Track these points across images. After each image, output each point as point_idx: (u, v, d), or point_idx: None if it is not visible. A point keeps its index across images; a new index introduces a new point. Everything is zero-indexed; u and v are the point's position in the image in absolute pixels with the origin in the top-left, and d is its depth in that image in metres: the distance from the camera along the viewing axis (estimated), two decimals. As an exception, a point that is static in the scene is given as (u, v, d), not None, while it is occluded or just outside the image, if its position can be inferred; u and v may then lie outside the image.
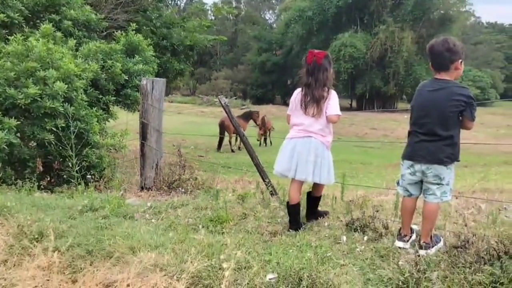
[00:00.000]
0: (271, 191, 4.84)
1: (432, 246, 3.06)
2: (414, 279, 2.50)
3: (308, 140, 3.55)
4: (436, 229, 3.51)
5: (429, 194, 3.09)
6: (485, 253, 2.72)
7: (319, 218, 3.88)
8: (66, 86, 5.80)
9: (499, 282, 2.41)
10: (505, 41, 71.49)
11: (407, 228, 3.22)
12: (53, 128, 5.65)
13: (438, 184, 3.04)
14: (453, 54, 2.98)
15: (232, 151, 15.65)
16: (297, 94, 3.64)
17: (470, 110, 2.96)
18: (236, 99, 45.04)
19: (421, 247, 3.03)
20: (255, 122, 17.71)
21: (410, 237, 3.21)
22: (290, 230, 3.59)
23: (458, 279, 2.47)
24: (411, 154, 3.08)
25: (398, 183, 3.29)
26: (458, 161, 3.03)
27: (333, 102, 3.54)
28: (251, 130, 17.54)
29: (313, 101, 3.51)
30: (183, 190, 5.14)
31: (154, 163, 5.46)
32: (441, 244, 3.11)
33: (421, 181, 3.13)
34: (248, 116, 16.82)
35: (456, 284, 2.43)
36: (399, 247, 3.11)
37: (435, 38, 3.16)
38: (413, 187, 3.17)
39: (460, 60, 3.01)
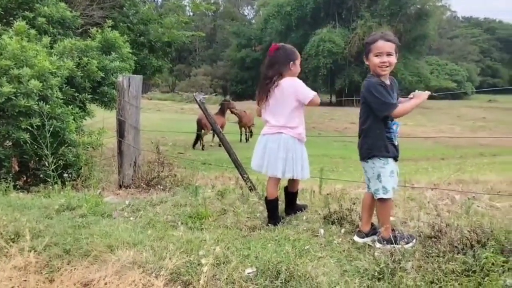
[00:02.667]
0: (250, 186, 4.87)
1: (389, 243, 2.99)
2: (390, 270, 2.55)
3: (278, 137, 3.52)
4: (410, 220, 3.59)
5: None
6: (458, 242, 2.79)
7: (297, 212, 3.91)
8: (41, 84, 5.72)
9: (471, 270, 2.47)
10: (480, 34, 72.92)
11: (367, 224, 3.24)
12: (29, 127, 5.56)
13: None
14: (368, 46, 3.08)
15: (202, 148, 15.51)
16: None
17: (367, 102, 3.05)
18: (216, 95, 44.88)
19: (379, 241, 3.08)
20: (233, 112, 17.50)
21: (369, 232, 3.21)
22: (269, 224, 3.61)
23: (432, 268, 2.53)
24: (397, 149, 3.12)
25: (385, 191, 3.06)
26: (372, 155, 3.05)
27: (302, 89, 3.48)
28: (231, 127, 17.51)
29: (263, 94, 3.55)
30: (162, 187, 5.13)
31: (132, 161, 5.44)
32: (412, 243, 3.04)
33: None
34: (223, 109, 16.66)
35: (430, 273, 2.48)
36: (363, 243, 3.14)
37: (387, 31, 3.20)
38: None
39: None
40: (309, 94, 3.47)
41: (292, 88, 3.48)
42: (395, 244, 2.92)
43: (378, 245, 3.05)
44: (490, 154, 15.63)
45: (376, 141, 3.01)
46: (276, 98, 3.51)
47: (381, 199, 3.06)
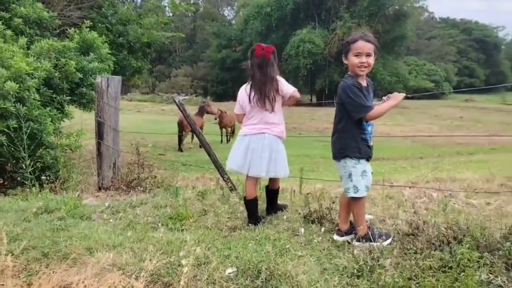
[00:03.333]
0: (230, 187, 4.88)
1: (367, 240, 3.05)
2: (368, 267, 2.59)
3: (261, 137, 3.56)
4: (388, 218, 3.64)
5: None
6: (435, 239, 2.85)
7: (278, 212, 3.94)
8: (18, 85, 5.62)
9: (448, 266, 2.52)
10: (457, 35, 74.17)
11: (345, 223, 3.28)
12: (5, 129, 5.46)
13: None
14: (347, 46, 3.12)
15: (181, 150, 15.45)
16: (244, 90, 3.64)
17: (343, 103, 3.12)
18: (196, 96, 44.68)
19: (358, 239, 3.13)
20: (211, 113, 17.47)
21: (348, 231, 3.25)
22: (249, 224, 3.62)
23: (410, 265, 2.57)
24: (371, 150, 3.15)
25: (357, 190, 3.11)
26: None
27: (284, 87, 3.56)
28: (212, 127, 17.45)
29: (265, 97, 3.51)
30: (142, 189, 5.10)
31: (111, 163, 5.39)
32: (389, 241, 3.10)
33: None
34: (202, 111, 16.64)
35: (407, 269, 2.53)
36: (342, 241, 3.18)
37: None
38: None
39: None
40: (290, 88, 3.56)
41: (281, 86, 3.56)
42: (373, 241, 2.97)
43: (356, 243, 3.09)
44: (467, 153, 15.89)
45: (350, 141, 3.06)
46: (272, 101, 3.54)
47: (353, 198, 3.11)
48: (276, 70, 3.56)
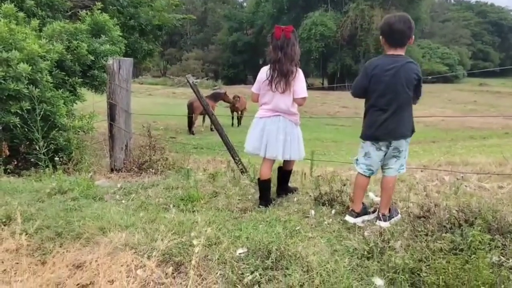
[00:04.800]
0: (241, 169, 4.89)
1: (390, 219, 3.17)
2: (379, 249, 2.60)
3: (276, 119, 3.58)
4: (399, 201, 3.64)
5: (388, 168, 3.20)
6: (446, 222, 2.84)
7: (288, 194, 3.95)
8: (30, 67, 5.65)
9: (459, 248, 2.52)
10: (472, 18, 72.89)
11: (359, 204, 3.29)
12: (18, 111, 5.51)
13: (397, 157, 3.15)
14: (411, 31, 3.04)
15: (192, 133, 15.49)
16: (265, 72, 3.62)
17: (420, 86, 3.08)
18: (207, 79, 44.68)
19: (380, 219, 3.14)
20: (228, 102, 17.58)
21: (361, 212, 3.28)
22: (260, 206, 3.64)
23: (420, 247, 2.57)
24: (376, 134, 3.11)
25: (357, 162, 3.32)
26: (414, 131, 3.17)
27: (300, 83, 3.55)
28: (222, 110, 17.46)
29: (282, 76, 3.50)
30: (153, 170, 5.13)
31: (123, 144, 5.42)
32: (398, 217, 3.23)
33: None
34: (216, 97, 16.67)
35: (418, 251, 2.53)
36: (353, 223, 3.19)
37: (389, 15, 3.19)
38: (377, 165, 3.23)
39: (413, 36, 3.07)
40: (303, 93, 3.55)
41: (298, 81, 3.54)
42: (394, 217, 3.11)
43: (382, 224, 3.10)
44: (480, 137, 15.76)
45: (412, 121, 3.14)
46: (289, 88, 3.52)
47: (394, 176, 3.23)
48: (298, 51, 3.56)
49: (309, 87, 4.07)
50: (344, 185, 3.71)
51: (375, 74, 3.05)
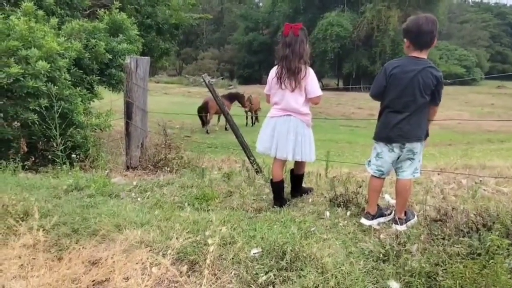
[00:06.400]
0: (256, 169, 4.89)
1: (406, 222, 3.14)
2: (395, 252, 2.56)
3: (287, 119, 3.55)
4: (416, 204, 3.60)
5: (402, 171, 3.16)
6: (464, 226, 2.79)
7: (303, 195, 3.94)
8: (49, 65, 5.72)
9: (476, 253, 2.47)
10: (491, 19, 71.83)
11: (374, 206, 3.27)
12: (37, 108, 5.58)
13: (411, 160, 3.12)
14: (436, 33, 3.01)
15: (207, 132, 15.56)
16: (274, 70, 3.60)
17: (439, 91, 3.03)
18: (222, 79, 44.79)
19: (396, 222, 3.11)
20: (242, 105, 17.62)
21: (376, 214, 3.26)
22: (275, 206, 3.63)
23: (437, 250, 2.53)
24: (390, 135, 3.08)
25: (368, 163, 3.32)
26: (428, 136, 3.14)
27: (312, 82, 3.51)
28: (237, 109, 17.48)
29: (290, 73, 3.47)
30: (168, 169, 5.16)
31: (139, 142, 5.46)
32: (414, 219, 3.20)
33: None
34: (232, 98, 16.74)
35: (435, 255, 2.49)
36: (369, 226, 3.16)
37: (416, 16, 3.14)
38: (388, 166, 3.20)
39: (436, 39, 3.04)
40: (316, 91, 3.52)
41: (309, 80, 3.51)
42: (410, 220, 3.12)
43: (398, 227, 3.07)
44: (498, 141, 15.53)
45: (426, 125, 3.10)
46: (299, 86, 3.50)
47: (409, 180, 3.18)
48: (307, 49, 3.52)
49: (324, 87, 4.05)
50: (360, 186, 3.68)
51: (394, 74, 3.01)
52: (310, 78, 3.51)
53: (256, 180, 4.51)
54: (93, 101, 7.52)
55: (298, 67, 3.45)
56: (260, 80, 47.13)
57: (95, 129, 6.61)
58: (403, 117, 3.01)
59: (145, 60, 5.44)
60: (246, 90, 19.30)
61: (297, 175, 3.93)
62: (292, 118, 3.54)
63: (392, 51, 40.82)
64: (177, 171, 5.11)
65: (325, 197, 3.82)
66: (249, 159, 5.05)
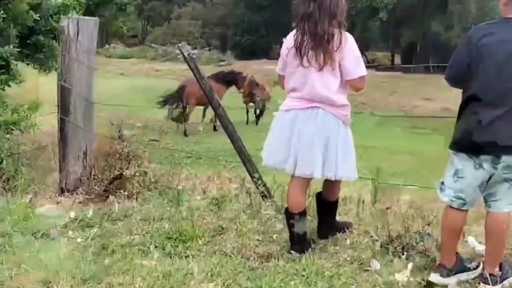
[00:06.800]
0: (262, 192, 4.89)
1: (502, 280, 3.13)
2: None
3: (312, 114, 3.53)
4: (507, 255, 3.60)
5: (495, 200, 3.15)
6: None
7: (336, 233, 3.95)
8: None
9: None
10: None
11: (452, 255, 3.27)
12: None
13: (510, 182, 3.08)
14: None
15: (185, 133, 15.53)
16: (291, 38, 3.60)
17: None
18: (210, 50, 44.68)
19: (485, 281, 3.11)
20: (243, 90, 17.62)
21: (454, 267, 3.25)
22: (292, 251, 3.65)
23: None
24: (477, 142, 3.03)
25: (441, 187, 3.29)
26: None
27: (352, 56, 3.50)
28: (233, 99, 17.48)
29: (316, 43, 3.44)
30: (126, 192, 5.17)
31: (81, 151, 5.46)
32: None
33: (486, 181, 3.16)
34: (225, 79, 16.65)
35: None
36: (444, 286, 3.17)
37: None
38: (473, 192, 3.17)
39: None
40: (358, 70, 3.52)
41: (347, 50, 3.49)
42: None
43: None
44: None
45: None
46: (331, 62, 3.48)
47: (508, 213, 3.16)
48: (343, 5, 3.53)
49: (370, 65, 4.05)
50: (429, 224, 3.69)
51: (484, 45, 2.97)
52: (349, 50, 3.50)
53: (263, 209, 4.53)
54: (9, 86, 7.54)
55: (329, 33, 3.44)
56: (268, 52, 47.01)
57: (12, 130, 6.62)
58: (500, 114, 2.97)
59: (92, 23, 5.47)
60: (247, 68, 19.28)
61: (327, 202, 3.94)
62: (320, 113, 3.52)
63: (480, 11, 40.69)
64: (138, 195, 5.12)
65: (371, 238, 3.83)
66: (251, 176, 5.06)
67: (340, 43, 3.45)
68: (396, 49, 48.27)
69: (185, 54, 5.08)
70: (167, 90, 16.77)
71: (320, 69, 3.47)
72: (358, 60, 3.54)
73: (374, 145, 13.71)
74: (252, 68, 20.81)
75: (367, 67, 3.61)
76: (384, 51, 48.85)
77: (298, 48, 3.51)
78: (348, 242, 3.82)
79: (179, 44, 5.23)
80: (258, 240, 3.91)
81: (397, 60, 47.43)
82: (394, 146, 15.25)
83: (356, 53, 3.54)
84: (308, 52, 3.47)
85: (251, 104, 17.91)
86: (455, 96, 3.22)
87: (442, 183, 3.27)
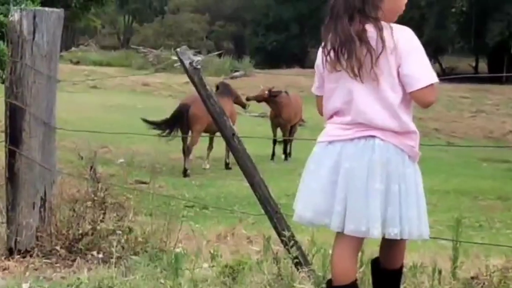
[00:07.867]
0: (295, 257, 4.86)
1: None
2: None
3: (367, 145, 3.47)
4: None
5: None
6: None
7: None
8: None
9: None
10: None
11: None
12: None
13: None
14: None
15: (185, 173, 15.58)
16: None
17: None
18: (220, 56, 45.02)
19: None
20: (255, 99, 17.71)
21: None
22: None
23: None
24: None
25: None
26: None
27: (412, 57, 3.40)
28: (250, 121, 17.58)
29: (346, 44, 3.37)
30: (101, 255, 5.15)
31: (37, 197, 5.47)
32: None
33: None
34: (231, 94, 16.81)
35: None
36: None
37: None
38: None
39: None
40: (428, 75, 3.42)
41: (406, 50, 3.41)
42: None
43: None
44: None
45: None
46: (377, 67, 3.42)
47: None
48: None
49: (445, 78, 4.01)
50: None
51: None
52: (408, 49, 3.43)
53: (297, 282, 4.49)
54: None
55: (377, 25, 3.42)
56: (302, 58, 47.33)
57: None
58: None
59: (54, 16, 5.50)
60: (273, 81, 19.39)
61: (388, 272, 3.91)
62: (378, 144, 3.49)
63: None
64: (119, 260, 5.10)
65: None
66: (279, 235, 5.04)
67: (397, 41, 3.36)
68: (480, 51, 48.37)
69: (186, 62, 5.07)
70: (162, 112, 16.83)
71: (374, 80, 3.42)
72: (422, 61, 3.45)
73: (452, 188, 13.69)
74: (281, 81, 20.89)
75: (441, 79, 3.54)
76: (463, 54, 48.97)
77: (336, 55, 3.47)
78: (418, 328, 3.78)
79: (179, 50, 5.21)
80: (290, 326, 3.88)
81: (482, 66, 47.49)
82: (480, 189, 15.22)
83: (419, 52, 3.44)
84: (343, 54, 3.40)
85: (279, 128, 17.93)
86: None
87: None
